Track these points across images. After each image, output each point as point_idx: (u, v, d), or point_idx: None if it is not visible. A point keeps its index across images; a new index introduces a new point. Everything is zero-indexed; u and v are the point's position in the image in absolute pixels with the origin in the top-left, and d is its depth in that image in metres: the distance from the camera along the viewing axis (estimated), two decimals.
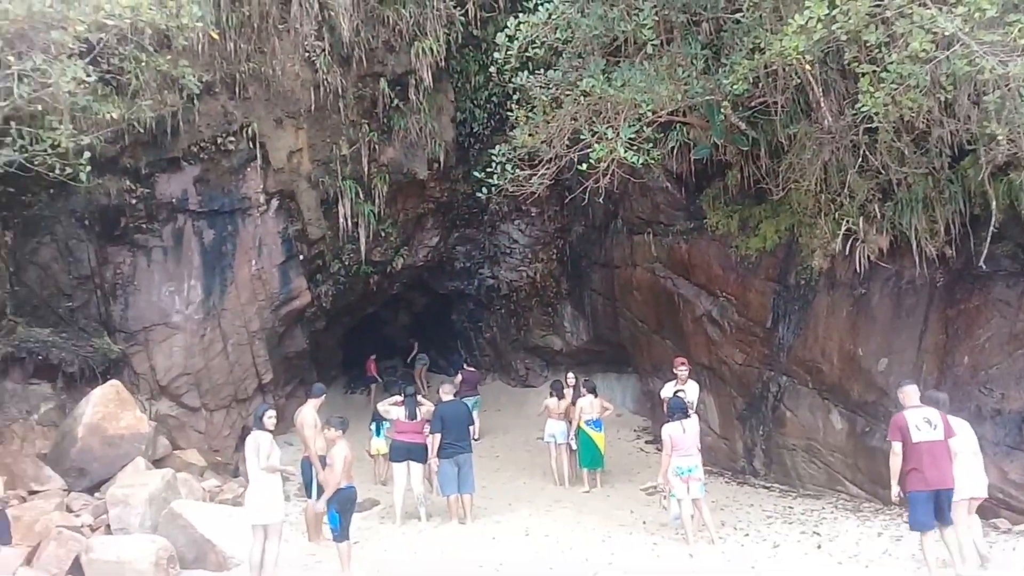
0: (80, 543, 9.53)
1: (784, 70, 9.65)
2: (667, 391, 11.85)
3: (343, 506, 9.14)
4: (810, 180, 10.94)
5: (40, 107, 9.97)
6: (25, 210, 12.94)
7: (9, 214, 12.80)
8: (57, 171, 10.22)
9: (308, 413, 10.66)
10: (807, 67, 9.13)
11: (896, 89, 8.41)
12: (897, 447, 7.91)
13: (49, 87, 9.50)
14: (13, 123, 10.16)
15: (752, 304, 12.91)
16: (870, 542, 9.64)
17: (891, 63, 8.21)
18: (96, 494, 11.33)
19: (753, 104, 11.17)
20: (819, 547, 9.64)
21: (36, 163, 10.20)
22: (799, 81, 10.01)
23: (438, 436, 11.60)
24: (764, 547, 9.78)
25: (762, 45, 9.30)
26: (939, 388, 10.30)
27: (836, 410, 11.79)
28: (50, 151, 10.12)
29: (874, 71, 8.50)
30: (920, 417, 7.89)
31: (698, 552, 9.66)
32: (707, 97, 10.78)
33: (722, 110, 10.90)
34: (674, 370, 12.11)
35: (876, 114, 8.86)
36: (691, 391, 11.77)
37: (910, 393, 8.14)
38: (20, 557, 9.27)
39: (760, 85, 10.57)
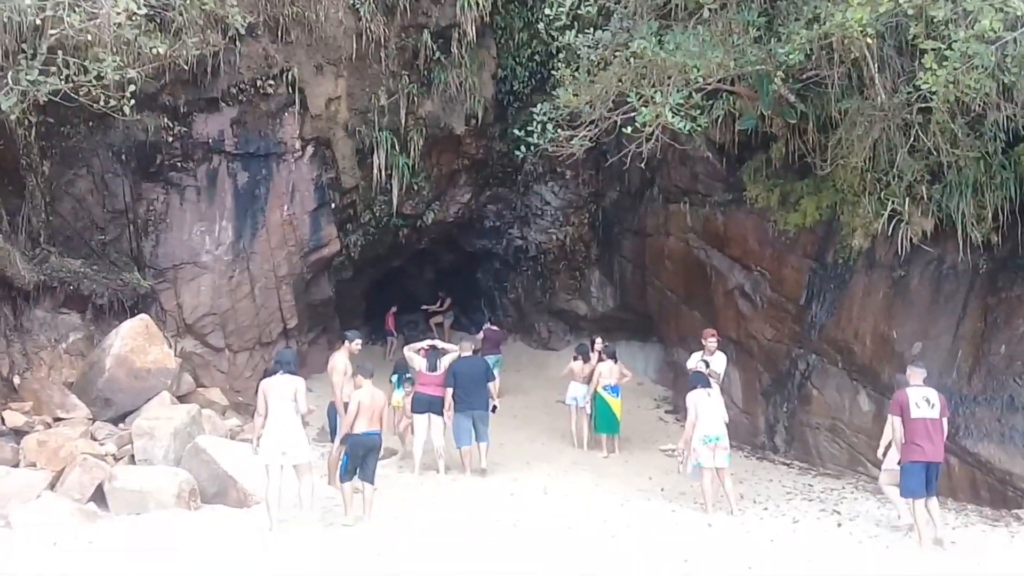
0: (104, 471, 9.68)
1: (843, 43, 9.41)
2: (693, 361, 11.78)
3: (353, 450, 9.25)
4: (858, 157, 10.70)
5: (88, 37, 9.95)
6: (64, 141, 12.99)
7: (47, 144, 12.84)
8: (101, 103, 10.23)
9: (340, 359, 10.64)
10: (868, 41, 8.91)
11: (959, 69, 8.21)
12: (896, 421, 8.67)
13: (98, 18, 9.46)
14: (60, 52, 10.16)
15: (787, 280, 12.77)
16: (890, 524, 9.59)
17: (956, 41, 8.00)
18: (120, 425, 11.49)
19: (805, 77, 10.92)
20: (839, 525, 9.58)
21: (81, 94, 10.22)
22: (855, 56, 9.77)
23: (450, 391, 11.68)
24: (784, 522, 9.73)
25: (822, 16, 9.10)
26: (972, 376, 10.29)
27: (864, 391, 11.67)
28: (95, 82, 10.14)
29: (937, 48, 8.29)
30: (920, 396, 8.59)
31: (717, 522, 9.63)
32: (759, 67, 10.57)
33: (773, 81, 10.69)
34: (703, 341, 12.00)
35: (933, 94, 8.67)
36: (718, 363, 11.68)
37: (916, 373, 8.80)
38: (44, 481, 9.44)
39: (814, 58, 10.35)
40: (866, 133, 10.52)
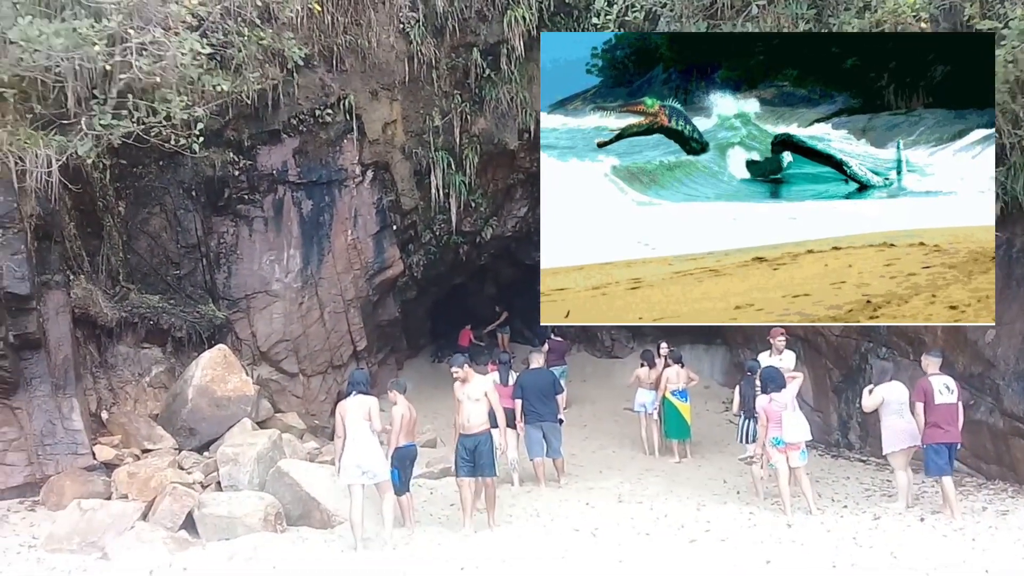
0: (193, 499, 9.90)
1: (896, 29, 9.35)
2: (764, 363, 11.70)
3: (401, 463, 9.57)
4: None
5: (156, 79, 10.37)
6: (137, 181, 13.51)
7: (122, 185, 13.36)
8: (171, 142, 10.64)
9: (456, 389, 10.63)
10: (922, 25, 8.85)
11: (1017, 47, 8.10)
12: (919, 407, 9.41)
13: (164, 60, 9.87)
14: (130, 96, 10.61)
15: None
16: (974, 516, 9.43)
17: (1013, 19, 7.91)
18: (205, 453, 11.80)
19: None
20: (922, 520, 9.45)
21: (151, 135, 10.63)
22: None
23: (519, 403, 11.84)
24: (864, 519, 9.62)
25: (873, 3, 9.06)
26: None
27: None
28: (164, 123, 10.55)
29: (994, 28, 8.21)
30: (941, 383, 9.41)
31: (796, 522, 9.57)
32: None
33: None
34: (771, 340, 11.95)
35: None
36: (788, 361, 11.62)
37: (933, 362, 9.63)
38: (137, 512, 9.69)
39: None
40: None
